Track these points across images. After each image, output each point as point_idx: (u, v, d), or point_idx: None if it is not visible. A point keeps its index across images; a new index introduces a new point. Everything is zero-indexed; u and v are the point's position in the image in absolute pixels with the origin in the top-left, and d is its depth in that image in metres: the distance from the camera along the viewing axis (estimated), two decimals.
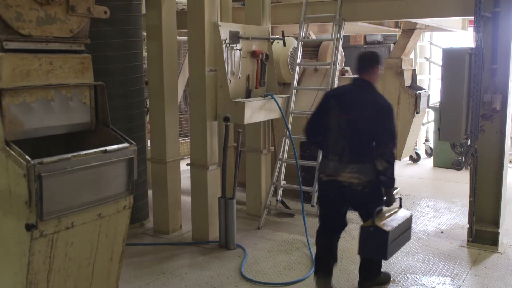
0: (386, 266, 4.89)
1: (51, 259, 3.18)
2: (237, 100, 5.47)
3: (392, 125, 4.18)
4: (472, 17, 5.28)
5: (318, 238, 4.45)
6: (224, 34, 5.44)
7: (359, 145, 4.17)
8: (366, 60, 4.29)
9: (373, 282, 4.54)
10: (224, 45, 5.42)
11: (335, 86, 5.97)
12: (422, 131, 10.17)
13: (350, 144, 4.15)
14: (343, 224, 4.43)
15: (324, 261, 4.41)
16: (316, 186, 5.83)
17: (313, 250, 5.34)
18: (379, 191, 4.24)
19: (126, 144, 3.52)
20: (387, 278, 4.68)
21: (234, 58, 5.59)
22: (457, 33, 8.88)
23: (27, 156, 2.93)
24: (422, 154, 10.14)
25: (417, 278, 4.80)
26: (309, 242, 5.51)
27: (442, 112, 5.33)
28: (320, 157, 4.68)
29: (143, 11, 6.02)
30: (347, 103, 4.22)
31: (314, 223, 6.23)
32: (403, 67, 7.20)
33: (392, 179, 4.26)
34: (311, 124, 4.38)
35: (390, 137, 4.18)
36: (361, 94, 4.21)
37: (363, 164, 4.14)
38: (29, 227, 2.98)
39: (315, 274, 4.44)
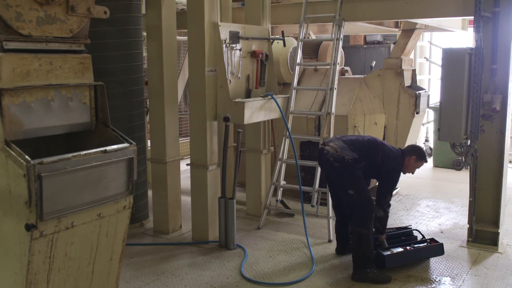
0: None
1: (51, 259, 3.18)
2: (237, 100, 5.47)
3: (396, 180, 5.01)
4: (472, 17, 5.29)
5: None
6: (224, 34, 5.44)
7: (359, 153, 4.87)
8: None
9: (364, 276, 4.71)
10: (224, 45, 5.42)
11: (335, 86, 5.97)
12: (422, 131, 10.17)
13: (357, 148, 4.89)
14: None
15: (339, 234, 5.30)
16: (316, 185, 5.84)
17: (313, 250, 5.36)
18: (347, 171, 4.79)
19: (126, 144, 3.52)
20: (383, 278, 4.71)
21: (234, 58, 5.59)
22: (457, 33, 8.89)
23: (27, 156, 2.93)
24: None
25: (417, 277, 4.80)
26: (309, 243, 5.51)
27: (442, 112, 5.32)
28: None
29: (143, 11, 6.02)
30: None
31: (314, 223, 6.25)
32: (403, 67, 7.21)
33: (384, 227, 5.04)
34: None
35: (390, 191, 4.99)
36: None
37: (345, 145, 4.87)
38: (29, 227, 2.98)
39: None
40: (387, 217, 5.00)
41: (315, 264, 5.09)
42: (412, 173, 5.17)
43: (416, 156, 5.06)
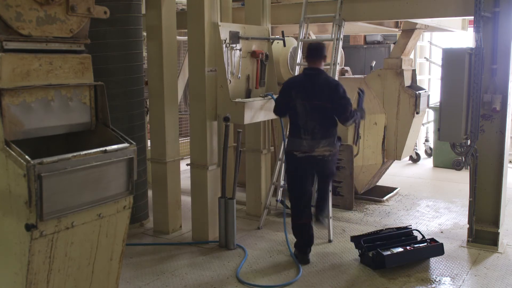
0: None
1: (51, 259, 3.18)
2: (237, 100, 5.47)
3: (344, 96, 4.94)
4: (472, 17, 5.28)
5: (297, 219, 5.17)
6: (224, 34, 5.44)
7: (325, 123, 4.96)
8: (315, 52, 5.04)
9: (324, 214, 5.36)
10: (224, 45, 5.42)
11: None
12: (422, 131, 10.17)
13: (318, 123, 4.92)
14: (310, 191, 5.20)
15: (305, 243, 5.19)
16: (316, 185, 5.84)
17: (313, 249, 5.36)
18: (336, 156, 5.18)
19: (126, 144, 3.52)
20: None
21: (234, 58, 5.59)
22: (457, 33, 8.88)
23: (27, 156, 2.93)
24: (422, 154, 10.14)
25: (417, 277, 4.80)
26: (288, 244, 5.50)
27: (442, 112, 5.33)
28: (289, 136, 5.18)
29: (143, 11, 6.02)
30: (308, 91, 4.94)
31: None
32: (403, 67, 7.20)
33: (356, 114, 5.03)
34: (278, 108, 5.27)
35: (346, 107, 4.91)
36: (316, 81, 4.96)
37: (330, 138, 4.98)
38: (29, 227, 2.98)
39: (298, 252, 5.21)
40: (355, 115, 5.00)
41: (315, 264, 5.10)
42: None
43: (324, 54, 5.08)
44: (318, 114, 4.91)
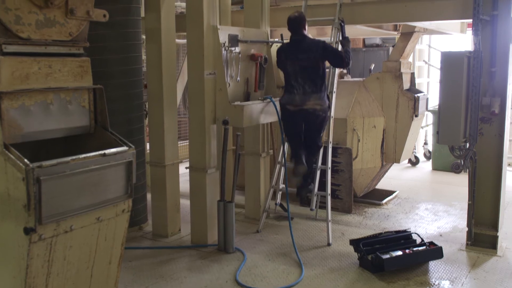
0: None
1: (49, 263, 3.17)
2: (236, 103, 5.47)
3: (332, 48, 5.66)
4: (471, 20, 5.29)
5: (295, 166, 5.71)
6: (223, 37, 5.44)
7: (314, 79, 5.47)
8: (294, 22, 5.55)
9: (307, 189, 5.84)
10: (223, 48, 5.42)
11: (334, 89, 5.98)
12: (421, 134, 10.18)
13: (308, 80, 5.47)
14: (302, 141, 5.72)
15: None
16: (315, 188, 5.83)
17: (312, 253, 5.35)
18: (326, 115, 5.66)
19: (125, 148, 3.52)
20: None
21: (233, 61, 5.59)
22: (455, 36, 8.89)
23: (26, 160, 2.93)
24: (421, 157, 10.15)
25: (416, 281, 4.79)
26: (295, 247, 5.50)
27: (441, 115, 5.33)
28: (284, 92, 5.72)
29: (142, 14, 6.02)
30: (295, 54, 5.51)
31: (313, 226, 6.25)
32: (402, 70, 7.21)
33: (347, 52, 5.59)
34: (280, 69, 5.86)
35: (339, 56, 5.53)
36: (302, 44, 5.52)
37: (320, 93, 5.50)
38: (27, 231, 2.97)
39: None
40: (348, 51, 5.58)
41: (314, 267, 5.09)
42: None
43: (304, 23, 5.60)
44: (306, 72, 5.46)
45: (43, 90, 3.26)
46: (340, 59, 5.52)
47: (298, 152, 5.70)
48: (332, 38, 6.07)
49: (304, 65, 5.47)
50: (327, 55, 5.50)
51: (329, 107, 5.67)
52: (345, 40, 5.75)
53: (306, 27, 5.63)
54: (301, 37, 5.56)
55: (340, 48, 5.83)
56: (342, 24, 5.91)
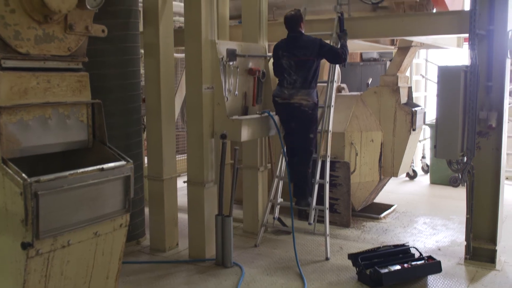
0: None
1: (46, 278, 3.16)
2: (234, 117, 5.48)
3: (328, 45, 5.75)
4: (467, 35, 5.33)
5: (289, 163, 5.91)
6: (221, 51, 5.47)
7: (306, 76, 5.63)
8: (291, 20, 5.76)
9: (306, 202, 5.87)
10: (221, 63, 5.44)
11: (332, 103, 5.99)
12: (419, 148, 10.19)
13: (300, 76, 5.64)
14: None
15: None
16: (314, 202, 5.82)
17: (310, 267, 5.33)
18: (316, 116, 5.79)
19: (123, 162, 3.52)
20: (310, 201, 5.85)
21: (231, 75, 5.62)
22: (452, 50, 8.95)
23: (24, 174, 2.93)
24: (419, 171, 10.15)
25: None
26: (297, 261, 5.48)
27: (438, 129, 5.34)
28: (276, 86, 5.88)
29: (141, 28, 6.05)
30: (291, 49, 5.69)
31: (311, 241, 6.23)
32: (399, 84, 7.24)
33: (343, 47, 5.77)
34: (274, 68, 5.95)
35: (336, 53, 5.67)
36: (298, 41, 5.70)
37: (309, 90, 5.66)
38: (25, 246, 2.96)
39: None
40: (345, 46, 5.77)
41: (312, 281, 5.07)
42: None
43: (301, 21, 5.80)
44: (300, 68, 5.63)
45: (41, 105, 3.27)
46: (337, 56, 5.66)
47: (291, 153, 5.91)
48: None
49: (299, 61, 5.64)
50: (324, 53, 5.66)
51: (317, 104, 5.77)
52: (343, 33, 5.88)
53: (303, 25, 5.80)
54: (298, 34, 5.73)
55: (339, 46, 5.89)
56: (341, 17, 5.99)
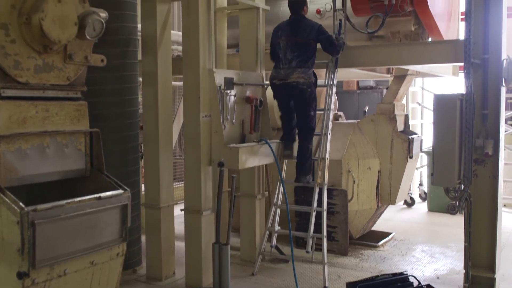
0: None
1: None
2: (231, 145, 5.50)
3: (327, 33, 5.83)
4: (462, 63, 5.39)
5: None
6: (219, 80, 5.51)
7: (303, 56, 5.73)
8: (297, 5, 5.92)
9: (305, 180, 6.01)
10: (218, 91, 5.48)
11: (329, 131, 6.01)
12: (416, 176, 10.20)
13: (296, 56, 5.73)
14: (293, 119, 6.03)
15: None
16: (311, 230, 5.80)
17: None
18: (314, 94, 5.88)
19: (120, 191, 3.52)
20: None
21: (229, 103, 5.65)
22: (448, 79, 9.03)
23: (21, 203, 2.92)
24: (417, 199, 10.14)
25: None
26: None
27: (435, 157, 5.35)
28: (273, 68, 5.99)
29: (139, 57, 6.11)
30: (291, 30, 5.84)
31: (308, 269, 6.19)
32: (396, 112, 7.28)
33: (340, 42, 5.90)
34: (271, 49, 6.07)
35: (332, 42, 5.79)
36: (300, 24, 5.84)
37: (305, 69, 5.72)
38: (21, 275, 2.94)
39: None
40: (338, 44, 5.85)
41: None
42: None
43: (305, 6, 5.95)
44: (296, 49, 5.74)
45: (40, 133, 3.28)
46: (333, 45, 5.78)
47: (287, 134, 6.07)
48: (327, 81, 6.14)
49: (296, 42, 5.76)
50: (321, 39, 5.77)
51: (315, 83, 5.82)
52: (340, 36, 6.01)
53: (306, 10, 5.98)
54: (299, 17, 5.90)
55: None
56: (341, 23, 6.12)
